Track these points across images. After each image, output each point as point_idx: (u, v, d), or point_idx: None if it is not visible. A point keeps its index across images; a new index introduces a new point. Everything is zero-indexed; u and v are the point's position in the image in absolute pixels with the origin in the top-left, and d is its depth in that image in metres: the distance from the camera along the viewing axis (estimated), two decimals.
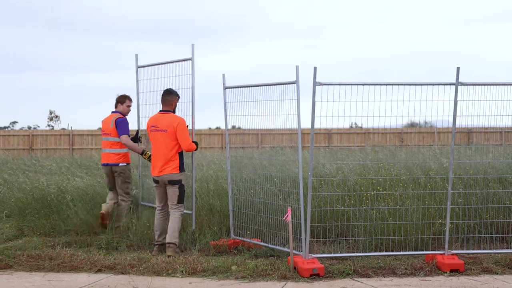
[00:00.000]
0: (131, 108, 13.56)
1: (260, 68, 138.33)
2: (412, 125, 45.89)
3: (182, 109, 12.24)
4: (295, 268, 10.19)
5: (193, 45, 12.42)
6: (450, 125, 10.72)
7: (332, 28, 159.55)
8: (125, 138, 13.04)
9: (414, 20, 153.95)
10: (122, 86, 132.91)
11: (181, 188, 11.68)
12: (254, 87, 11.40)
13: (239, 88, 11.74)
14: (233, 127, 12.31)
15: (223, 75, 11.89)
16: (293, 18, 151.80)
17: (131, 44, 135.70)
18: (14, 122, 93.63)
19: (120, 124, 13.14)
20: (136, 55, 14.29)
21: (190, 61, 12.46)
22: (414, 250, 11.03)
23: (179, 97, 12.04)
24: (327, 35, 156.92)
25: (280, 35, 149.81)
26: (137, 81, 14.29)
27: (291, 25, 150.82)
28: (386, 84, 10.29)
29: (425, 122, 43.85)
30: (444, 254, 10.62)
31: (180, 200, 11.68)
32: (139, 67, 14.22)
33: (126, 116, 13.43)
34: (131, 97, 13.59)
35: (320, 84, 10.04)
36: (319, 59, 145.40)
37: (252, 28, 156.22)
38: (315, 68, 9.96)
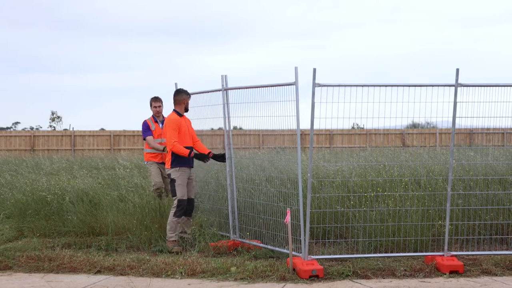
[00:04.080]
0: (158, 108, 13.93)
1: (266, 68, 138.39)
2: (414, 126, 45.77)
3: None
4: (294, 269, 10.18)
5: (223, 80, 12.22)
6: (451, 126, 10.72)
7: (337, 29, 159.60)
8: (149, 139, 13.70)
9: (421, 20, 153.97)
10: (124, 87, 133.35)
11: (171, 182, 12.04)
12: (254, 88, 11.39)
13: (240, 90, 11.72)
14: (235, 127, 12.30)
15: (222, 76, 11.88)
16: (299, 19, 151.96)
17: (134, 44, 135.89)
18: (17, 123, 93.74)
19: (142, 129, 13.94)
20: (176, 84, 13.19)
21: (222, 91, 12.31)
22: (414, 252, 10.99)
23: (189, 95, 12.34)
24: (333, 36, 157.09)
25: (285, 36, 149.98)
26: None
27: (297, 26, 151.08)
28: (385, 85, 10.28)
29: (427, 123, 43.78)
30: (443, 255, 10.61)
31: (173, 193, 12.02)
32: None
33: (156, 117, 13.98)
34: (157, 97, 14.02)
35: (320, 85, 10.04)
36: (324, 60, 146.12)
37: (258, 29, 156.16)
38: (314, 70, 9.96)
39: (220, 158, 12.34)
